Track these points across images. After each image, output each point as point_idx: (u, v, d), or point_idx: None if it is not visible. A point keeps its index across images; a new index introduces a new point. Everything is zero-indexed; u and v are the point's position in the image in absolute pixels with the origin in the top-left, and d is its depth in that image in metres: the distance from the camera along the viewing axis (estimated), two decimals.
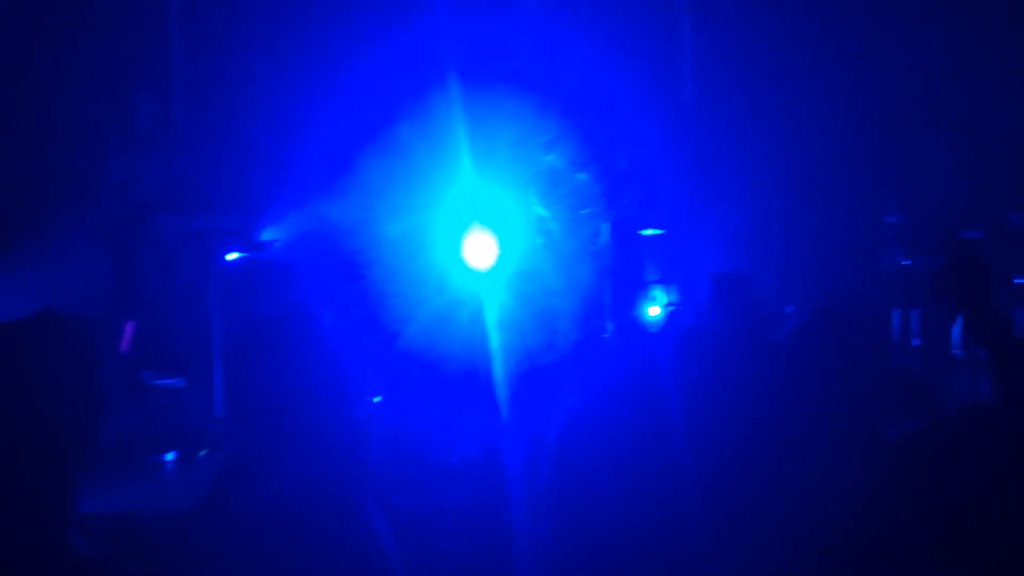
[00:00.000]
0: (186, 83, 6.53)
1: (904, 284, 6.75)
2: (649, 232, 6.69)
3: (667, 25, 7.61)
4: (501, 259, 6.10)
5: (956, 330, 6.62)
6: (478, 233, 6.17)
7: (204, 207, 5.64)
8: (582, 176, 6.23)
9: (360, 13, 6.69)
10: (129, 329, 5.49)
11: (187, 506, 1.96)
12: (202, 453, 4.67)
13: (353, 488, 2.11)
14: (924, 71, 7.15)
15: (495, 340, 5.26)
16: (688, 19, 7.63)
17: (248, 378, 2.18)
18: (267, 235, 5.83)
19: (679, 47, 7.65)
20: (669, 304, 6.46)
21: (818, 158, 7.21)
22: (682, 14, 7.63)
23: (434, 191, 6.40)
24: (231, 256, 5.50)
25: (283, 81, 6.62)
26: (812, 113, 7.24)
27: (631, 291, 6.41)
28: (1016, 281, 6.53)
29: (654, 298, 6.47)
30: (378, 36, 6.72)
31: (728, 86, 7.37)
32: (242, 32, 6.65)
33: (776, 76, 7.33)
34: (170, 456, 4.66)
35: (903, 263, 6.87)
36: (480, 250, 6.12)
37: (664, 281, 6.64)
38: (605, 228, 6.41)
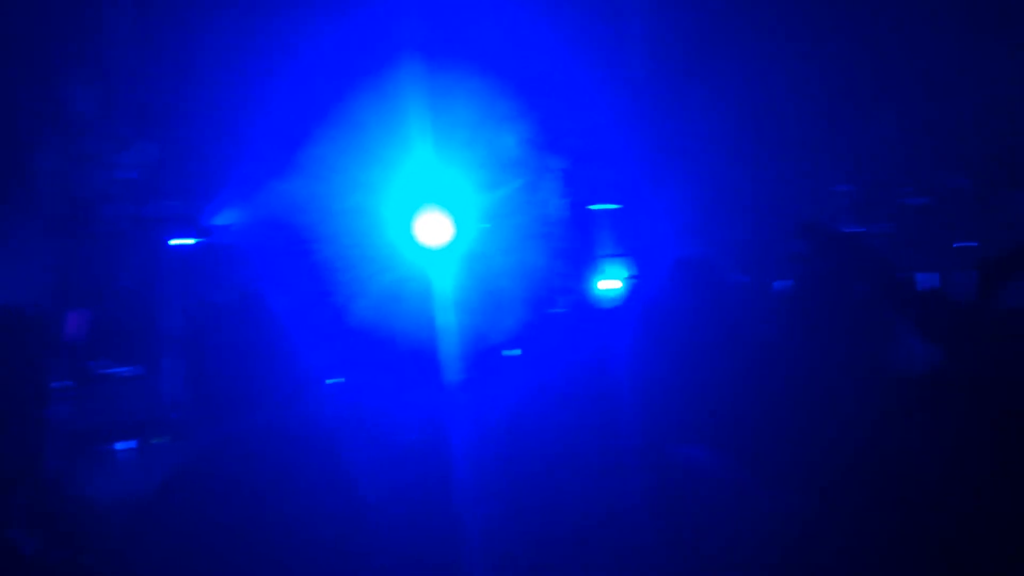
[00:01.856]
0: (127, 66, 6.39)
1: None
2: (603, 207, 6.72)
3: (620, 4, 7.62)
4: (454, 238, 6.09)
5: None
6: (431, 212, 6.15)
7: (152, 193, 5.55)
8: (537, 155, 6.24)
9: None
10: (78, 318, 5.41)
11: (148, 496, 1.95)
12: (158, 441, 4.63)
13: (314, 470, 2.11)
14: (870, 43, 7.23)
15: (447, 319, 5.28)
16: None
17: (205, 365, 2.17)
18: (217, 219, 5.76)
19: (632, 25, 7.66)
20: (628, 278, 6.51)
21: (768, 130, 7.27)
22: None
23: (387, 170, 6.36)
24: (178, 241, 5.44)
25: (231, 59, 6.52)
26: (763, 84, 7.30)
27: (585, 266, 6.44)
28: (955, 245, 6.68)
29: (610, 272, 6.50)
30: (331, 11, 6.63)
31: (681, 63, 7.40)
32: (186, 8, 6.53)
33: (725, 51, 7.37)
34: (125, 445, 4.61)
35: (855, 231, 6.97)
36: (433, 229, 6.11)
37: (621, 255, 6.68)
38: (560, 206, 6.43)
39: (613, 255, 6.59)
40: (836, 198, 7.12)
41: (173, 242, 5.27)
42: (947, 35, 6.97)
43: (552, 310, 6.08)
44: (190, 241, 5.55)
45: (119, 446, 4.61)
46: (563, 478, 2.31)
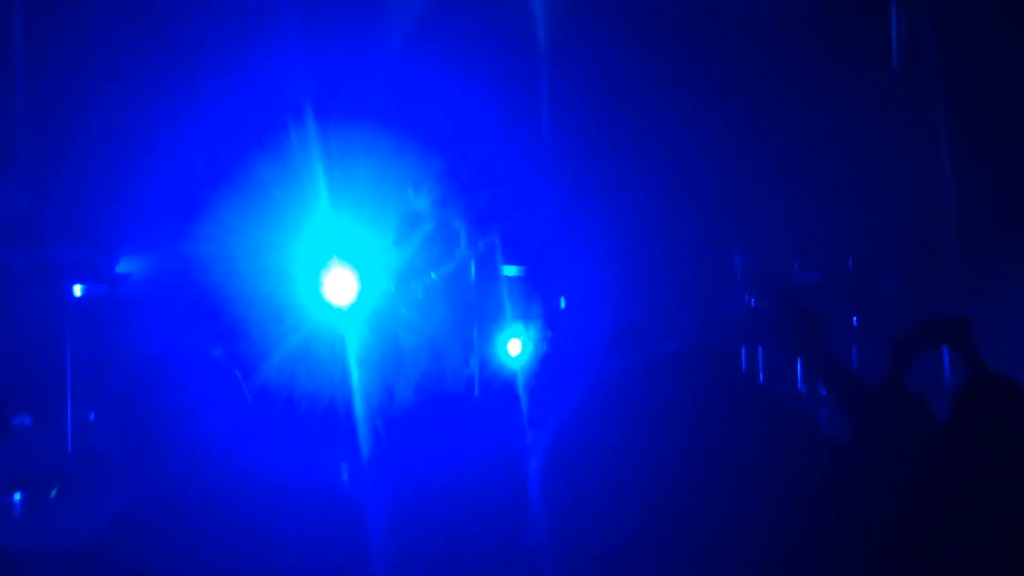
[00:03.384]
0: (29, 109, 6.24)
1: (750, 324, 7.12)
2: (511, 269, 6.82)
3: (528, 63, 7.81)
4: (361, 296, 6.09)
5: (798, 368, 7.02)
6: (338, 269, 6.13)
7: (52, 240, 5.39)
8: (445, 214, 6.30)
9: (220, 43, 6.58)
10: None
11: (77, 547, 1.92)
12: (53, 492, 4.47)
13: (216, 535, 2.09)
14: (770, 118, 7.60)
15: (354, 377, 5.25)
16: (548, 59, 7.85)
17: (105, 420, 2.14)
18: (121, 268, 5.63)
19: (540, 87, 7.86)
20: (539, 339, 6.59)
21: (670, 203, 7.53)
22: (542, 54, 7.85)
23: (293, 227, 6.34)
24: (79, 289, 5.29)
25: (138, 110, 6.43)
26: (666, 158, 7.57)
27: (498, 326, 6.50)
28: (851, 320, 7.00)
29: (517, 335, 6.58)
30: (239, 68, 6.62)
31: (589, 127, 7.62)
32: (96, 57, 6.43)
33: (633, 117, 7.62)
34: (18, 496, 4.44)
35: (749, 304, 7.25)
36: (340, 286, 6.09)
37: (528, 318, 6.77)
38: (468, 266, 6.49)
39: (522, 318, 6.67)
40: (733, 271, 7.39)
41: (76, 289, 5.12)
42: (833, 115, 7.39)
43: (461, 372, 6.11)
44: (89, 289, 5.40)
45: (12, 497, 4.43)
46: (465, 547, 2.32)
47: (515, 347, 6.47)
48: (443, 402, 3.02)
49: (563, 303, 6.87)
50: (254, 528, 2.27)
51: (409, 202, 6.24)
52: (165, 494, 2.11)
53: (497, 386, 5.83)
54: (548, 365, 6.10)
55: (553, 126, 7.72)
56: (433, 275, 6.05)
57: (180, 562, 2.01)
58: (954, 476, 2.20)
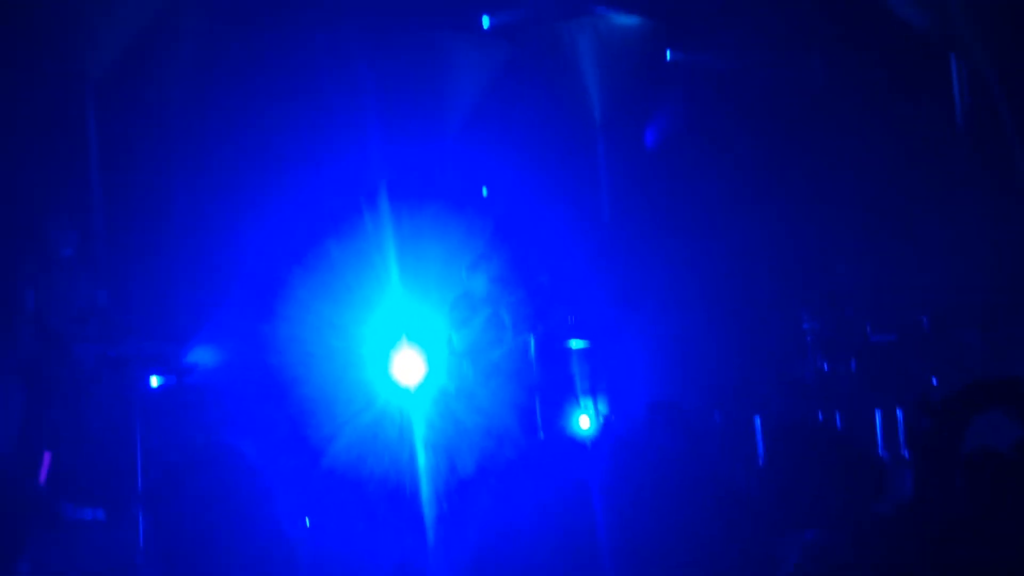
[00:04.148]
0: (105, 208, 6.48)
1: (823, 388, 6.94)
2: (575, 344, 6.80)
3: (585, 140, 7.90)
4: (429, 376, 6.13)
5: (878, 431, 6.81)
6: (406, 349, 6.20)
7: (126, 333, 5.55)
8: (507, 293, 6.36)
9: (292, 130, 6.79)
10: (46, 460, 5.31)
11: None
12: None
13: None
14: (833, 185, 7.53)
15: (422, 458, 5.26)
16: (605, 135, 7.93)
17: (172, 516, 2.14)
18: (192, 359, 5.76)
19: (598, 164, 7.93)
20: (600, 415, 6.53)
21: (735, 268, 7.46)
22: (599, 130, 7.94)
23: (361, 308, 6.44)
24: (155, 381, 5.41)
25: (210, 199, 6.65)
26: (728, 223, 7.52)
27: (560, 403, 6.47)
28: (934, 383, 6.76)
29: (584, 409, 6.54)
30: (306, 156, 6.82)
31: (645, 202, 7.64)
32: (172, 146, 6.67)
33: (691, 189, 7.63)
34: None
35: (822, 367, 7.07)
36: (408, 366, 6.15)
37: (593, 392, 6.72)
38: (532, 342, 6.50)
39: (585, 393, 6.64)
40: (803, 335, 7.24)
41: (152, 382, 5.24)
42: (906, 181, 7.29)
43: (524, 446, 6.07)
44: (162, 380, 5.53)
45: None
46: None
47: (585, 422, 6.44)
48: (507, 478, 3.01)
49: (628, 378, 6.82)
50: None
51: (463, 283, 6.33)
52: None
53: (564, 461, 5.78)
54: (607, 441, 6.05)
55: (612, 200, 7.76)
56: (492, 354, 6.09)
57: None
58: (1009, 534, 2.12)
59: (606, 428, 6.30)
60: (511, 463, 5.42)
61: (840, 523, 2.30)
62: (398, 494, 4.85)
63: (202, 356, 5.96)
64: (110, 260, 6.09)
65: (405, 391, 6.05)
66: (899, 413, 6.68)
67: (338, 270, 6.50)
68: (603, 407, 6.57)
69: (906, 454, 6.61)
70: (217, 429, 5.34)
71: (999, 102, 7.27)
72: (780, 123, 7.57)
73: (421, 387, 6.05)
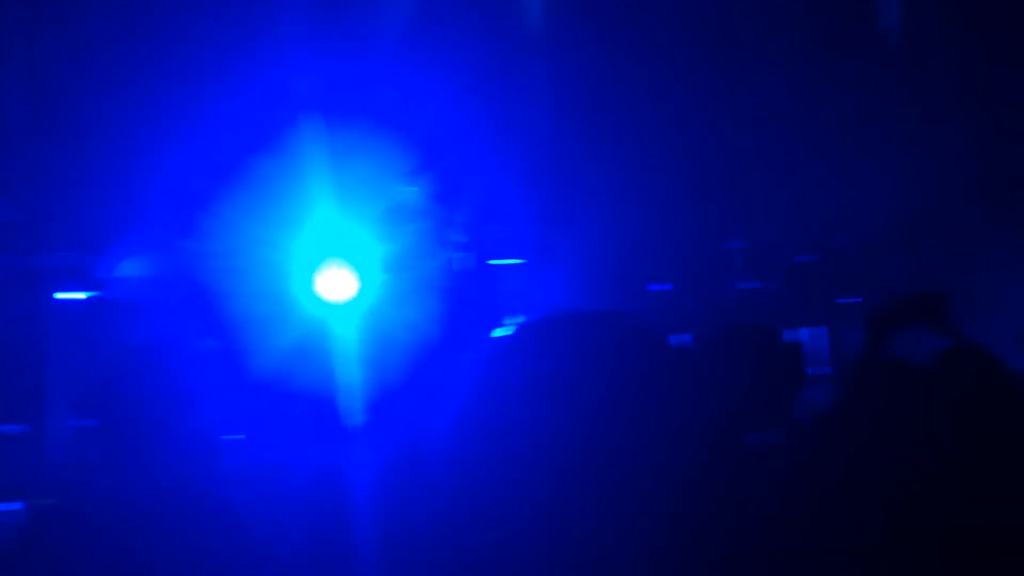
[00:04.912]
0: (11, 111, 6.20)
1: (743, 307, 7.10)
2: (505, 262, 6.80)
3: (519, 58, 7.79)
4: (358, 292, 6.08)
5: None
6: (334, 266, 6.13)
7: (37, 244, 5.36)
8: (439, 209, 6.29)
9: (209, 41, 6.56)
10: None
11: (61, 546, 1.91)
12: (44, 502, 4.45)
13: (218, 530, 2.08)
14: (761, 108, 7.57)
15: (351, 374, 5.24)
16: (538, 53, 7.83)
17: (99, 422, 2.12)
18: (110, 272, 5.61)
19: (531, 81, 7.83)
20: (532, 330, 6.55)
21: (660, 187, 7.51)
22: (534, 48, 7.82)
23: (287, 225, 6.33)
24: (68, 295, 5.27)
25: (126, 109, 6.42)
26: (659, 142, 7.54)
27: (488, 322, 6.48)
28: (838, 301, 6.99)
29: (512, 326, 6.56)
30: (229, 65, 6.61)
31: (577, 118, 7.60)
32: (83, 55, 6.40)
33: (627, 108, 7.60)
34: (8, 507, 4.42)
35: (743, 287, 7.23)
36: (337, 283, 6.08)
37: (521, 309, 6.75)
38: (462, 259, 6.47)
39: (514, 310, 6.66)
40: (728, 254, 7.37)
41: (64, 295, 5.10)
42: (836, 98, 7.36)
43: (453, 360, 6.09)
44: (80, 295, 5.38)
45: (2, 507, 4.41)
46: (469, 514, 2.31)
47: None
48: (439, 395, 3.01)
49: (556, 294, 6.85)
50: (242, 523, 2.25)
51: (396, 195, 6.22)
52: (149, 489, 2.09)
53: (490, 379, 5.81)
54: (547, 353, 6.09)
55: (544, 114, 7.69)
56: (420, 269, 6.03)
57: (163, 557, 1.99)
58: (927, 442, 2.20)
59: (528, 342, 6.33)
60: (437, 378, 5.45)
61: (768, 425, 2.37)
62: (325, 408, 4.84)
63: (121, 269, 5.80)
64: (16, 170, 5.85)
65: (333, 306, 6.00)
66: (824, 331, 6.88)
67: (265, 185, 6.36)
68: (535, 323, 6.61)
69: (829, 370, 6.85)
70: (141, 342, 5.24)
71: (924, 23, 7.36)
72: (716, 43, 7.56)
73: (350, 303, 6.01)
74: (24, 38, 6.18)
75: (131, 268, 6.01)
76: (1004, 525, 2.08)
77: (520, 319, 6.57)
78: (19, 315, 5.18)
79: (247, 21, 6.62)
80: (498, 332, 6.47)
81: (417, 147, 6.84)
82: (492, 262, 6.58)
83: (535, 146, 7.65)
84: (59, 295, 5.06)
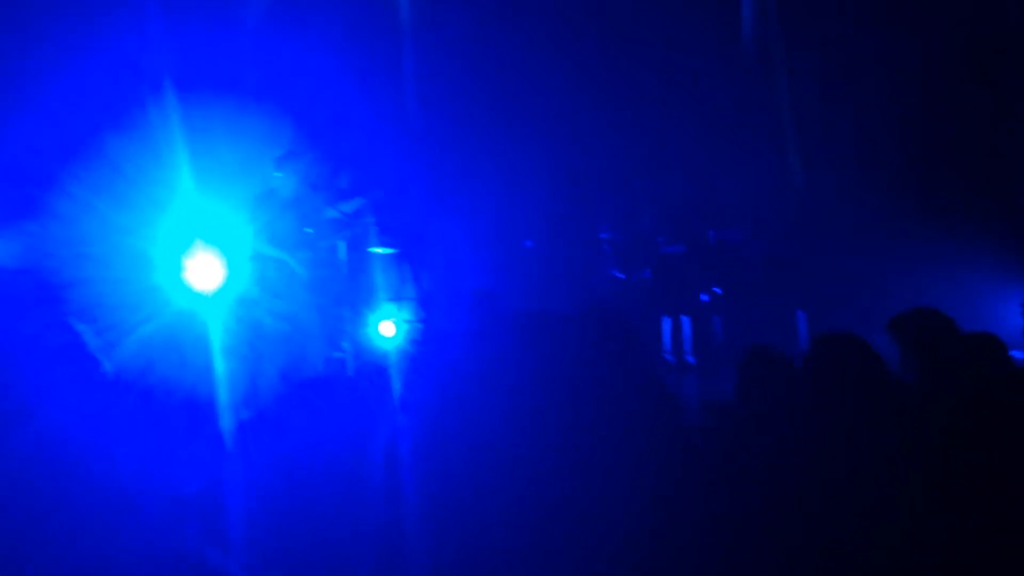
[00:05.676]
0: None
1: (618, 295, 7.27)
2: (381, 250, 6.73)
3: (397, 38, 7.70)
4: (227, 280, 5.89)
5: (666, 337, 7.21)
6: (202, 253, 5.92)
7: None
8: (313, 192, 6.16)
9: (73, 14, 6.22)
10: None
11: None
12: None
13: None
14: (639, 100, 7.73)
15: (218, 365, 5.09)
16: (417, 35, 7.76)
17: None
18: None
19: (409, 65, 7.76)
20: (410, 321, 6.53)
21: (540, 183, 7.60)
22: (411, 29, 7.75)
23: (152, 208, 6.08)
24: None
25: None
26: (537, 136, 7.61)
27: (365, 311, 6.41)
28: (714, 290, 7.24)
29: (388, 316, 6.51)
30: (94, 39, 6.29)
31: (459, 105, 7.58)
32: None
33: (504, 96, 7.63)
34: None
35: (616, 275, 7.39)
36: (204, 271, 5.88)
37: (400, 299, 6.70)
38: (339, 247, 6.38)
39: (394, 299, 6.61)
40: (601, 244, 7.52)
41: None
42: (705, 90, 7.58)
43: (331, 354, 6.00)
44: None
45: None
46: (348, 517, 2.29)
47: (388, 329, 6.40)
48: (310, 388, 2.95)
49: (435, 283, 6.84)
50: (103, 521, 2.18)
51: (269, 180, 6.06)
52: (7, 482, 2.00)
53: (369, 369, 5.77)
54: (422, 346, 6.08)
55: (423, 104, 7.64)
56: (297, 257, 5.88)
57: (19, 554, 1.91)
58: (809, 425, 2.32)
59: (420, 335, 6.32)
60: (315, 372, 5.35)
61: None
62: (192, 405, 4.69)
63: None
64: None
65: (201, 296, 5.80)
66: (685, 320, 7.12)
67: (122, 166, 6.08)
68: (415, 313, 6.58)
69: (690, 359, 7.09)
70: None
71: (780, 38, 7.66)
72: (590, 37, 7.66)
73: (219, 292, 5.82)
74: None
75: None
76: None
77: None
78: None
79: None
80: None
81: (292, 128, 6.68)
82: (369, 250, 6.51)
83: (411, 134, 7.60)
84: None
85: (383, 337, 6.37)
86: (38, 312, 5.45)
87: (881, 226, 7.01)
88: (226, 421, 4.33)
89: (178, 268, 5.86)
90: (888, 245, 6.89)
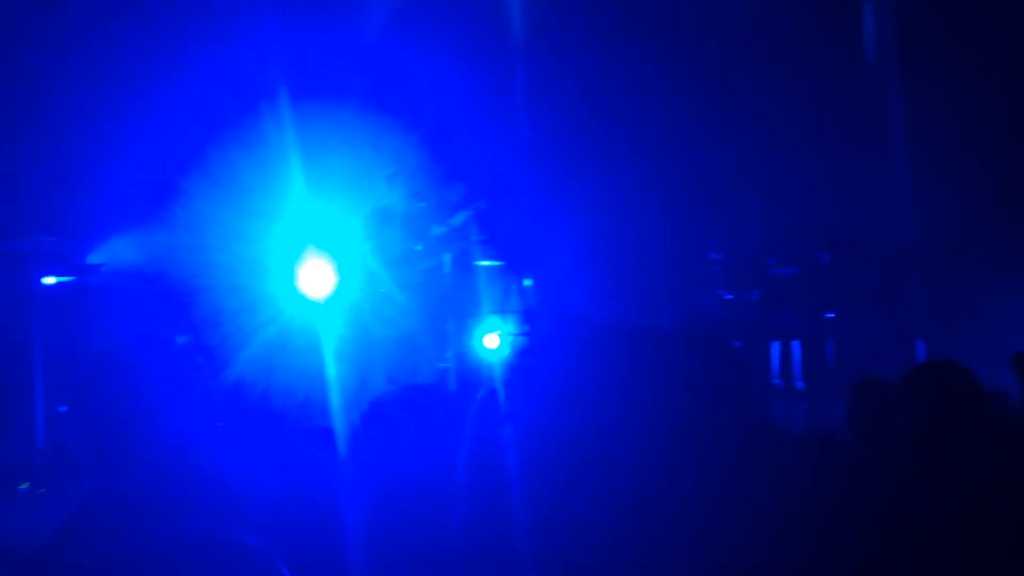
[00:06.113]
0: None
1: (726, 317, 7.14)
2: (487, 263, 6.79)
3: (507, 57, 7.76)
4: (339, 289, 6.03)
5: (775, 362, 7.05)
6: (315, 261, 6.07)
7: (21, 228, 5.29)
8: (423, 207, 6.27)
9: (195, 29, 6.48)
10: None
11: (42, 539, 1.89)
12: (23, 487, 4.42)
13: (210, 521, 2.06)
14: (745, 123, 7.62)
15: (331, 371, 5.21)
16: (526, 53, 7.81)
17: (100, 409, 2.10)
18: (92, 259, 5.54)
19: (518, 82, 7.82)
20: (513, 334, 6.56)
21: (649, 200, 7.54)
22: (522, 48, 7.81)
23: (269, 217, 6.27)
24: (49, 280, 5.20)
25: (110, 99, 6.33)
26: (645, 153, 7.57)
27: (469, 322, 6.47)
28: (826, 316, 7.04)
29: (493, 329, 6.55)
30: (216, 54, 6.54)
31: (567, 121, 7.60)
32: (65, 43, 6.31)
33: (611, 112, 7.61)
34: None
35: (725, 297, 7.26)
36: (317, 279, 6.03)
37: (504, 311, 6.74)
38: (446, 259, 6.46)
39: (498, 311, 6.65)
40: (710, 264, 7.41)
41: (46, 280, 5.02)
42: (812, 119, 7.42)
43: (436, 365, 6.07)
44: (60, 279, 5.31)
45: None
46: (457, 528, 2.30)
47: (492, 340, 6.44)
48: (417, 394, 2.99)
49: (540, 296, 6.85)
50: (225, 522, 2.23)
51: (381, 196, 6.19)
52: (131, 487, 2.06)
53: (473, 379, 5.81)
54: (526, 358, 6.09)
55: (531, 120, 7.68)
56: (406, 269, 6.00)
57: (144, 556, 1.96)
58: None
59: (525, 347, 6.34)
60: (421, 380, 5.41)
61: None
62: (305, 408, 4.80)
63: (102, 257, 5.73)
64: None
65: (314, 303, 5.95)
66: (795, 345, 6.94)
67: (242, 177, 6.28)
68: (519, 325, 6.60)
69: (800, 384, 6.91)
70: (115, 331, 5.18)
71: (908, 48, 7.44)
72: (701, 52, 7.59)
73: (331, 300, 5.96)
74: None
75: (109, 256, 5.94)
76: None
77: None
78: (2, 300, 5.10)
79: (230, 4, 6.53)
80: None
81: (405, 142, 6.80)
82: (478, 263, 6.57)
83: (525, 145, 7.64)
84: (42, 280, 4.98)
85: (487, 349, 6.41)
86: (166, 317, 5.68)
87: (1007, 257, 6.75)
88: (338, 424, 4.42)
89: (292, 276, 6.03)
90: (1018, 280, 6.64)
